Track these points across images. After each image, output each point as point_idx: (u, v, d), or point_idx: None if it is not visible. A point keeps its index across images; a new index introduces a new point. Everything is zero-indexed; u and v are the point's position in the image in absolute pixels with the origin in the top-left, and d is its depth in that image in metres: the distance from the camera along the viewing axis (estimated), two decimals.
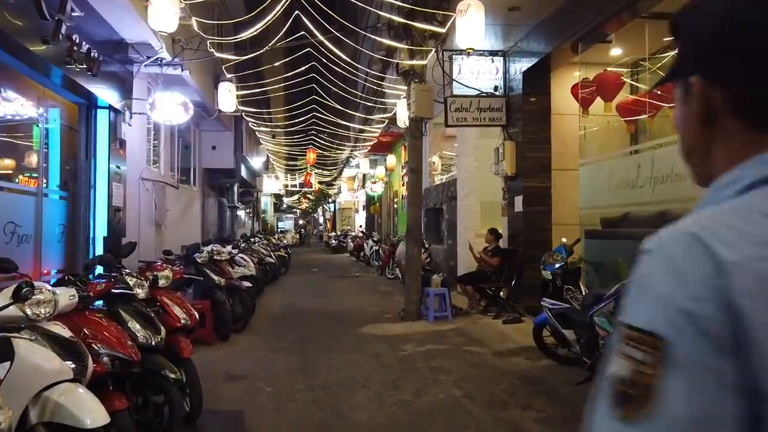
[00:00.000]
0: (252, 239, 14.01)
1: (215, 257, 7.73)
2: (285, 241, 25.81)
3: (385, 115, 12.86)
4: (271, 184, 33.85)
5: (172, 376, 3.58)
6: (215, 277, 7.18)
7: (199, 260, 7.22)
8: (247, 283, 8.36)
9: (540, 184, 8.07)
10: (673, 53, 7.71)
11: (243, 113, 12.95)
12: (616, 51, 7.67)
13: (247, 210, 27.08)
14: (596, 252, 6.40)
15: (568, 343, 4.92)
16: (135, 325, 3.60)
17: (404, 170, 17.60)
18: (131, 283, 3.78)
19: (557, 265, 5.10)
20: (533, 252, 7.88)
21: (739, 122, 0.66)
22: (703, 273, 0.56)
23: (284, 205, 47.87)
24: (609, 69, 7.40)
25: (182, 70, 8.85)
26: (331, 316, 9.02)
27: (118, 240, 8.02)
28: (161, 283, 4.32)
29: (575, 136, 8.20)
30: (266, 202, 39.05)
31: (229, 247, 9.06)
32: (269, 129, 16.03)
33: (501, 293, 8.48)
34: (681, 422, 0.53)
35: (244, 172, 17.17)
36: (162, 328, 3.80)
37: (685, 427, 0.53)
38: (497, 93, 8.72)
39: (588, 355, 4.45)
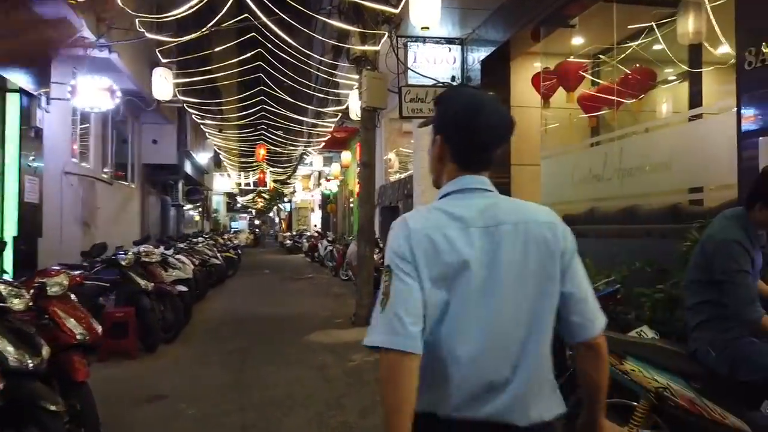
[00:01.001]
0: (195, 239, 13.13)
1: (143, 259, 6.94)
2: (236, 241, 24.79)
3: (338, 108, 12.23)
4: (223, 183, 32.69)
5: (52, 407, 2.88)
6: (141, 281, 6.39)
7: (123, 263, 6.43)
8: (181, 287, 7.60)
9: (499, 179, 7.60)
10: (634, 44, 7.14)
11: (185, 104, 12.07)
12: (579, 39, 7.28)
13: (198, 209, 25.96)
14: None
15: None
16: (5, 345, 2.88)
17: (359, 168, 17.03)
18: (3, 292, 3.05)
19: None
20: None
21: (452, 163, 1.37)
22: (403, 234, 1.27)
23: (238, 205, 46.52)
24: (571, 58, 7.00)
25: (110, 53, 8.01)
26: (276, 323, 8.34)
27: (33, 240, 7.15)
28: (52, 291, 3.58)
29: (536, 130, 7.80)
30: (218, 201, 37.78)
31: (161, 248, 8.23)
32: (215, 122, 15.06)
33: None
34: (392, 299, 1.23)
35: (189, 169, 16.23)
36: (44, 346, 3.08)
37: (396, 302, 1.22)
38: (455, 83, 8.23)
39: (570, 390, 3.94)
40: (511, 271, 1.26)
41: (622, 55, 6.69)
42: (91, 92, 7.46)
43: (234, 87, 14.69)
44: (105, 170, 10.89)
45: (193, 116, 13.98)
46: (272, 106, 12.55)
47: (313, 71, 13.17)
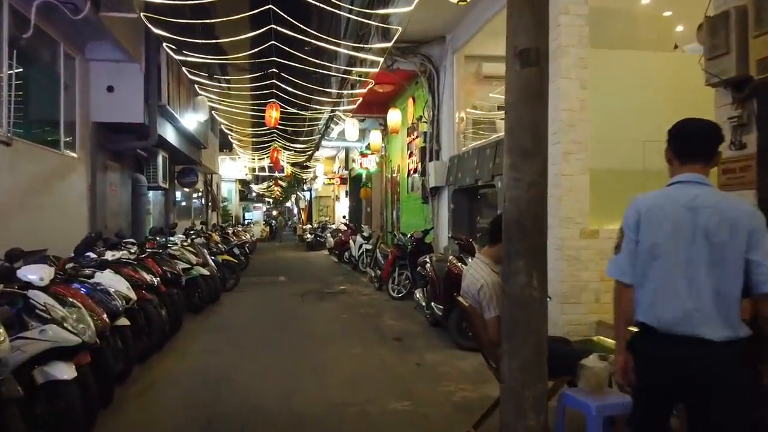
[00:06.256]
0: (168, 238, 8.47)
1: None
2: (248, 236, 20.15)
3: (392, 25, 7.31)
4: (234, 168, 28.02)
5: None
6: None
7: None
8: (59, 371, 2.97)
9: None
10: None
11: (142, 15, 7.31)
12: None
13: (200, 197, 21.39)
14: None
15: None
16: None
17: (414, 134, 12.15)
18: None
19: None
20: None
21: (677, 160, 2.37)
22: (635, 207, 2.35)
23: (253, 194, 42.00)
24: None
25: None
26: None
27: None
28: None
29: None
30: (230, 189, 33.23)
31: (41, 267, 3.40)
32: (200, 59, 10.01)
33: None
34: (624, 251, 2.37)
35: (172, 137, 11.52)
36: None
37: (623, 253, 2.37)
38: None
39: None
40: (705, 237, 2.13)
41: None
42: None
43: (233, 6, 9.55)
44: (7, 127, 6.23)
45: (165, 46, 9.18)
46: (287, 34, 7.75)
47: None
